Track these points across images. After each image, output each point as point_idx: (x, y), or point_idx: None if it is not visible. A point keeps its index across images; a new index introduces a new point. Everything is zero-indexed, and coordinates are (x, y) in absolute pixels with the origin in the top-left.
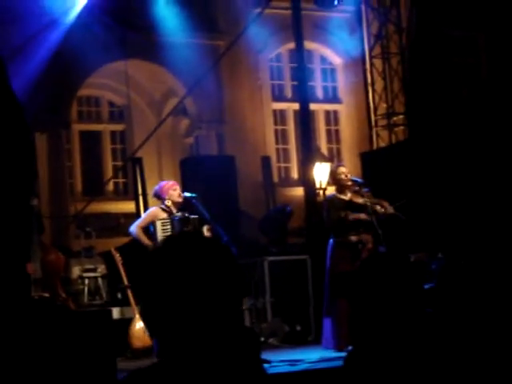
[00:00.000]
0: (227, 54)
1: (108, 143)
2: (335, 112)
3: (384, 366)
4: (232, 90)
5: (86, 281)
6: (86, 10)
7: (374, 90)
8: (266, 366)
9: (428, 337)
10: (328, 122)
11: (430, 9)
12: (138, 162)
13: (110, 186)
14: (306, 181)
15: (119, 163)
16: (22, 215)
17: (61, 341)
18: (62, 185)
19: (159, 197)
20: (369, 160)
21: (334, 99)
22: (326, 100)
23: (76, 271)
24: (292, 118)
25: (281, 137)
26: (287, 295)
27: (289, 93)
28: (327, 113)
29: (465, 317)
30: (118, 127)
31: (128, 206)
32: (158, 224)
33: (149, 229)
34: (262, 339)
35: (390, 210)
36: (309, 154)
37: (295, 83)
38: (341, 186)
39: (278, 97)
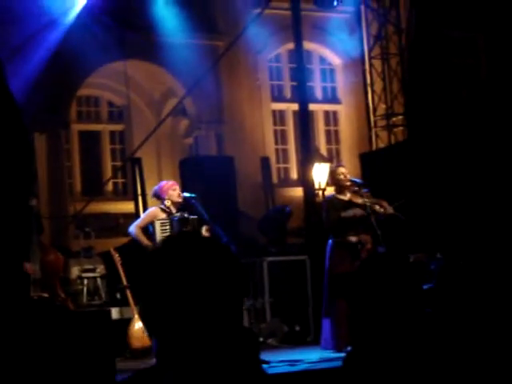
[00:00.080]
0: (226, 54)
1: (107, 143)
2: (334, 112)
3: (383, 367)
4: (231, 91)
5: (85, 281)
6: (86, 10)
7: (373, 91)
8: (265, 366)
9: (427, 337)
10: (327, 123)
11: (429, 10)
12: (138, 162)
13: (109, 186)
14: (305, 181)
15: (118, 163)
16: (21, 216)
17: (60, 341)
18: (62, 185)
19: (159, 197)
20: (368, 160)
21: (334, 100)
22: (326, 100)
23: (75, 271)
24: (291, 118)
25: (280, 137)
26: (286, 295)
27: (288, 93)
28: (326, 113)
29: (464, 317)
30: (118, 127)
31: (127, 207)
32: (157, 224)
33: (148, 229)
34: (261, 339)
35: (390, 210)
36: (308, 155)
37: (294, 83)
38: (340, 187)
39: (278, 97)
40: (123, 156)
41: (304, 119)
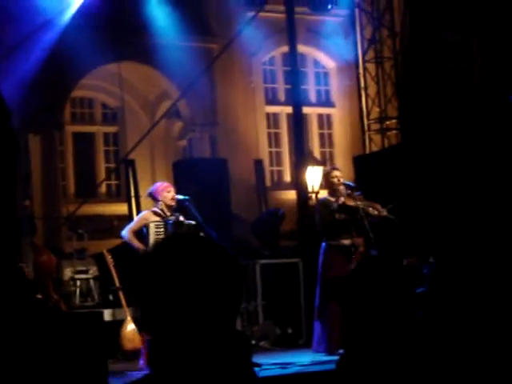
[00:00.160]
0: (221, 56)
1: (101, 145)
2: (328, 116)
3: (376, 370)
4: (225, 93)
5: (78, 282)
6: (80, 11)
7: (367, 94)
8: (256, 369)
9: (420, 340)
10: (321, 126)
11: (423, 13)
12: (131, 164)
13: (103, 188)
14: (299, 184)
15: (112, 165)
16: (8, 216)
17: (52, 342)
18: (55, 186)
19: (153, 198)
20: (361, 164)
21: (327, 103)
22: (319, 104)
23: (68, 273)
24: (285, 121)
25: (274, 140)
26: (279, 298)
27: (282, 96)
28: (320, 116)
29: (456, 321)
30: (111, 129)
31: (120, 208)
32: (152, 226)
33: (142, 232)
34: (254, 342)
35: (383, 212)
36: (301, 158)
37: (288, 86)
38: (333, 190)
39: (271, 100)
40: (117, 158)
41: (298, 122)
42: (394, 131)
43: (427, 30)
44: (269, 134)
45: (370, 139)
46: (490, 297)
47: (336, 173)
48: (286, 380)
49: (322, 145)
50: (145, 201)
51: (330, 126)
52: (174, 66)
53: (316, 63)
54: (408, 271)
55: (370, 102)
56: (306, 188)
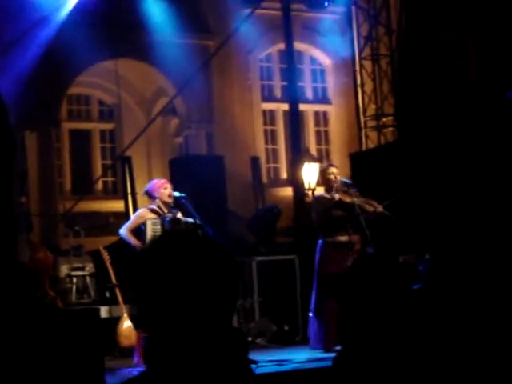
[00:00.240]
0: (217, 54)
1: (97, 142)
2: (324, 113)
3: (373, 367)
4: (222, 90)
5: (74, 279)
6: (77, 8)
7: (363, 92)
8: (253, 366)
9: (416, 337)
10: (317, 123)
11: (419, 11)
12: (128, 161)
13: (99, 185)
14: (295, 181)
15: (108, 162)
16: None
17: (49, 339)
18: (52, 183)
19: (150, 195)
20: (358, 161)
21: (324, 100)
22: (316, 101)
23: (64, 270)
24: (281, 118)
25: (270, 137)
26: (275, 295)
27: (278, 93)
28: (316, 113)
29: (452, 318)
30: (108, 126)
31: (117, 205)
32: (149, 223)
33: (140, 229)
34: (250, 339)
35: (379, 208)
36: (298, 155)
37: (285, 84)
38: (330, 187)
39: (268, 97)
40: (113, 155)
41: (294, 119)
42: (391, 128)
43: (423, 28)
44: (265, 131)
45: (367, 136)
46: (486, 294)
47: (332, 169)
48: (283, 377)
49: (319, 142)
50: (141, 198)
51: (326, 123)
52: (171, 63)
53: (312, 60)
54: (404, 268)
55: (366, 99)
56: (303, 185)
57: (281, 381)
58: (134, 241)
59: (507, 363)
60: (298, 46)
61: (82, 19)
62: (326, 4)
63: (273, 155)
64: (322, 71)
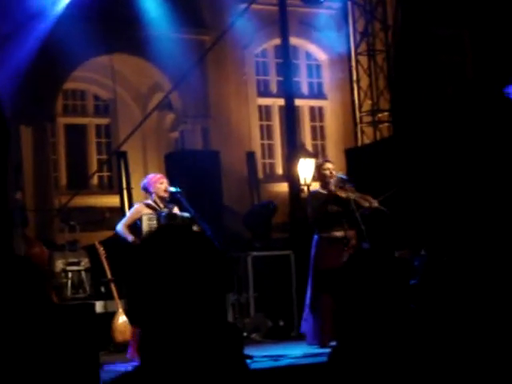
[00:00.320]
0: (213, 49)
1: (93, 137)
2: (320, 108)
3: (368, 362)
4: (217, 85)
5: (70, 274)
6: (73, 2)
7: (359, 87)
8: (248, 361)
9: (411, 332)
10: (313, 118)
11: (415, 7)
12: (123, 155)
13: (95, 180)
14: (291, 176)
15: (104, 157)
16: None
17: (43, 334)
18: (47, 178)
19: (146, 190)
20: (353, 156)
21: (319, 95)
22: (311, 96)
23: (59, 264)
24: (277, 113)
25: (266, 132)
26: (270, 290)
27: (274, 88)
28: (312, 109)
29: (447, 313)
30: (103, 121)
31: (112, 200)
32: (145, 219)
33: (136, 224)
34: (245, 334)
35: (375, 203)
36: (293, 150)
37: (280, 79)
38: (325, 182)
39: (264, 92)
40: (109, 150)
41: (290, 114)
42: (386, 124)
43: (419, 23)
44: (261, 127)
45: (362, 132)
46: (482, 289)
47: (328, 165)
48: (278, 372)
49: (314, 137)
50: (137, 193)
51: (322, 119)
52: (167, 58)
53: (308, 55)
54: (400, 264)
55: (362, 95)
56: (298, 180)
57: (276, 376)
58: (131, 237)
59: (502, 358)
60: (294, 41)
61: (77, 14)
62: None
63: (268, 150)
64: (318, 66)
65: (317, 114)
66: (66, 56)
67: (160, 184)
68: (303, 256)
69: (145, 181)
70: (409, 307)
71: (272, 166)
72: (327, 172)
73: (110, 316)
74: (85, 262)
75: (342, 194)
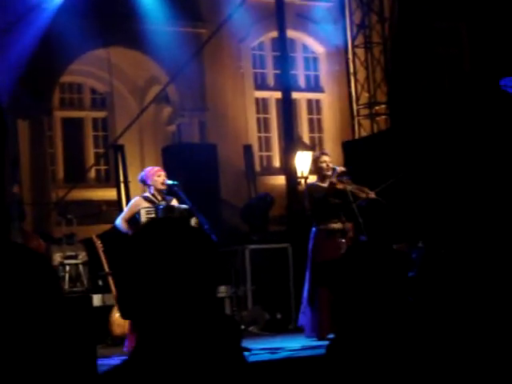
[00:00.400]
0: (210, 42)
1: (90, 130)
2: (317, 101)
3: (366, 354)
4: (214, 78)
5: (67, 268)
6: None
7: (356, 80)
8: (246, 354)
9: (409, 325)
10: (310, 111)
11: None
12: (120, 149)
13: (92, 173)
14: (288, 169)
15: (101, 150)
16: None
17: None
18: (44, 172)
19: (144, 182)
20: (351, 149)
21: (317, 88)
22: (309, 89)
23: (57, 258)
24: (274, 106)
25: (263, 125)
26: (268, 283)
27: (271, 81)
28: (309, 102)
29: (445, 306)
30: (100, 114)
31: (110, 194)
32: (143, 212)
33: (134, 217)
34: (243, 327)
35: (372, 194)
36: (291, 143)
37: (277, 72)
38: (322, 175)
39: (261, 85)
40: (106, 143)
41: (287, 107)
42: (383, 116)
43: (416, 15)
44: (258, 119)
45: (359, 124)
46: (479, 281)
47: (325, 158)
48: (276, 365)
49: (311, 130)
50: (134, 186)
51: (319, 111)
52: (163, 51)
53: (305, 48)
54: (398, 256)
55: (359, 88)
56: (295, 173)
57: (274, 369)
58: (130, 231)
59: (500, 349)
60: (291, 33)
61: (74, 7)
62: None
63: (265, 143)
64: (315, 59)
65: (314, 107)
66: (62, 49)
67: (157, 177)
68: (300, 249)
69: (142, 173)
70: (406, 300)
71: (269, 158)
72: (324, 165)
73: (108, 309)
74: (82, 256)
75: (340, 186)
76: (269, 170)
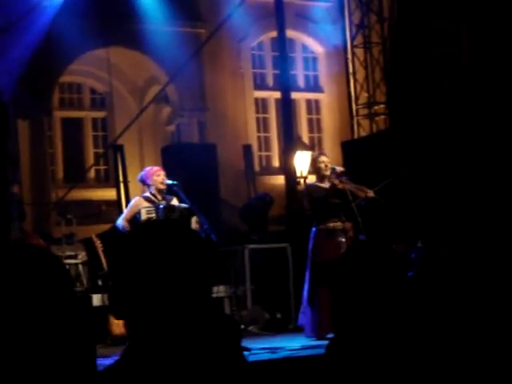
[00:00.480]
0: (209, 42)
1: (90, 130)
2: (316, 101)
3: (365, 354)
4: (214, 78)
5: (67, 267)
6: None
7: (355, 80)
8: (246, 353)
9: (408, 325)
10: (309, 111)
11: None
12: (120, 149)
13: (92, 173)
14: (287, 169)
15: (100, 150)
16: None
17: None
18: (44, 172)
19: (144, 182)
20: (350, 149)
21: (316, 88)
22: (308, 89)
23: None
24: (273, 106)
25: (262, 125)
26: (267, 283)
27: (270, 81)
28: (309, 101)
29: (444, 305)
30: (100, 114)
31: (109, 194)
32: (143, 212)
33: (135, 217)
34: (242, 327)
35: (370, 193)
36: (290, 143)
37: (277, 72)
38: (321, 175)
39: (260, 85)
40: (105, 143)
41: (286, 107)
42: (383, 116)
43: (415, 15)
44: (257, 119)
45: (359, 124)
46: (478, 281)
47: (323, 158)
48: (276, 365)
49: (311, 130)
50: (133, 186)
51: (318, 111)
52: (163, 51)
53: (304, 48)
54: (398, 256)
55: (358, 87)
56: (295, 173)
57: (273, 368)
58: None
59: (499, 348)
60: (290, 33)
61: (73, 7)
62: None
63: (265, 143)
64: (314, 59)
65: (313, 107)
66: (62, 49)
67: (157, 176)
68: (300, 248)
69: (142, 173)
70: (406, 299)
71: (268, 158)
72: (322, 165)
73: (107, 309)
74: (82, 256)
75: (340, 186)
76: (268, 170)
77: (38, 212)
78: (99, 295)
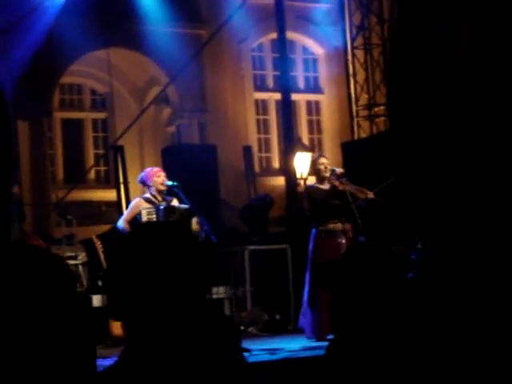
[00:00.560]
0: (209, 43)
1: (90, 131)
2: (317, 102)
3: (365, 355)
4: (214, 80)
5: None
6: None
7: (355, 81)
8: (245, 354)
9: (408, 326)
10: (309, 112)
11: (411, 0)
12: (120, 150)
13: (92, 174)
14: (287, 170)
15: (101, 151)
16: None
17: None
18: (44, 172)
19: (144, 183)
20: (350, 150)
21: (316, 89)
22: (308, 90)
23: None
24: (274, 107)
25: (262, 126)
26: (267, 284)
27: (271, 83)
28: (309, 103)
29: (444, 307)
30: (100, 115)
31: (109, 194)
32: (144, 213)
33: (136, 219)
34: (242, 328)
35: (370, 195)
36: (290, 144)
37: (277, 73)
38: (320, 177)
39: (260, 86)
40: (106, 144)
41: (286, 109)
42: (383, 118)
43: (415, 17)
44: (257, 121)
45: (359, 125)
46: (478, 282)
47: (323, 160)
48: (275, 366)
49: (311, 131)
50: (133, 187)
51: (318, 113)
52: (163, 52)
53: (305, 50)
54: (398, 257)
55: (358, 89)
56: (295, 174)
57: (273, 369)
58: None
59: (498, 349)
60: (291, 35)
61: (74, 8)
62: None
63: (265, 144)
64: (315, 61)
65: (313, 108)
66: (62, 50)
67: (157, 177)
68: (300, 250)
69: (142, 174)
70: (405, 301)
71: (268, 159)
72: (322, 167)
73: (107, 310)
74: (82, 256)
75: (340, 187)
76: (268, 171)
77: (38, 213)
78: (99, 296)
